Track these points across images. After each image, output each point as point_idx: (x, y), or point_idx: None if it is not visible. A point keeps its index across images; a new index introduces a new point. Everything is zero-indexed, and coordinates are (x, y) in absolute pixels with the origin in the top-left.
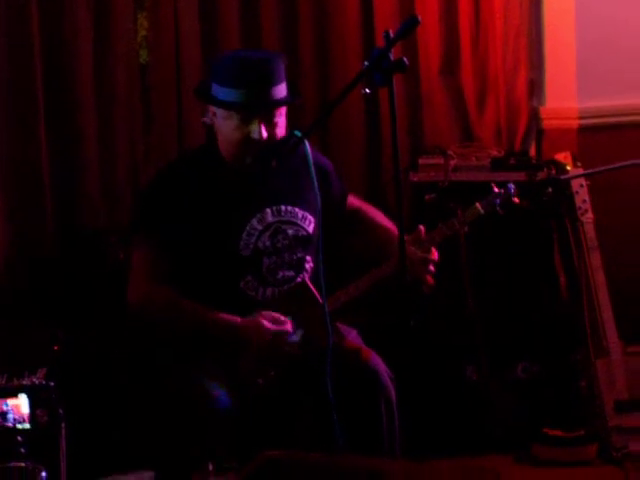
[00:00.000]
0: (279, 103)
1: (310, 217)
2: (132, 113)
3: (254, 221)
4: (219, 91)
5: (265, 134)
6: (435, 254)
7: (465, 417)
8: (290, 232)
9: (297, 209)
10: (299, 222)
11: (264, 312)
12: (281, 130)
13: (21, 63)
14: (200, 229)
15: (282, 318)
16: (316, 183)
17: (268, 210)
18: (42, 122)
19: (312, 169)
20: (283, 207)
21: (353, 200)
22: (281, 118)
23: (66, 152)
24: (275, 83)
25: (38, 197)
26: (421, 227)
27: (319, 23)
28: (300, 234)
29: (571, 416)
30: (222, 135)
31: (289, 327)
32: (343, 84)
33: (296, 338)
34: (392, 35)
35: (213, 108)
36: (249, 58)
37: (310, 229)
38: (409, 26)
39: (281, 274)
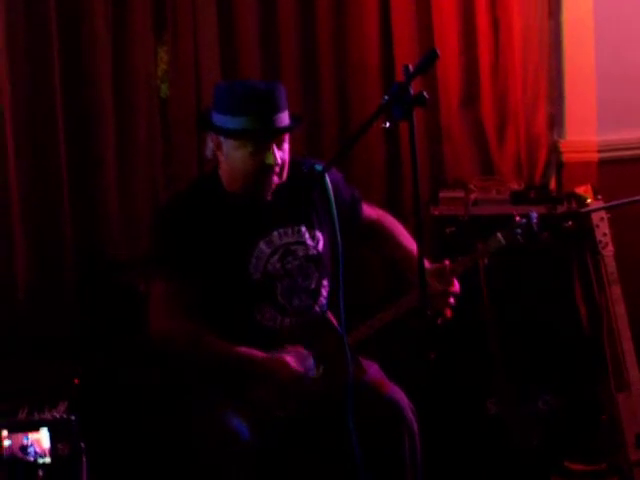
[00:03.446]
0: (290, 128)
1: (319, 235)
2: (153, 146)
3: (262, 244)
4: (228, 121)
5: (279, 159)
6: (456, 286)
7: (486, 450)
8: (300, 252)
9: (304, 228)
10: (307, 241)
11: (290, 347)
12: (287, 156)
13: (42, 97)
14: (210, 258)
15: (305, 353)
16: (335, 210)
17: (275, 233)
18: (63, 154)
19: (333, 205)
20: (290, 229)
21: (370, 210)
22: (286, 144)
23: (87, 184)
24: (282, 110)
25: (58, 229)
26: (446, 261)
27: (338, 58)
28: (310, 253)
29: (592, 449)
30: (230, 165)
31: (311, 364)
32: (362, 118)
33: (314, 374)
34: (412, 69)
35: (217, 139)
36: (255, 86)
37: (320, 247)
38: (429, 60)
39: (297, 301)
